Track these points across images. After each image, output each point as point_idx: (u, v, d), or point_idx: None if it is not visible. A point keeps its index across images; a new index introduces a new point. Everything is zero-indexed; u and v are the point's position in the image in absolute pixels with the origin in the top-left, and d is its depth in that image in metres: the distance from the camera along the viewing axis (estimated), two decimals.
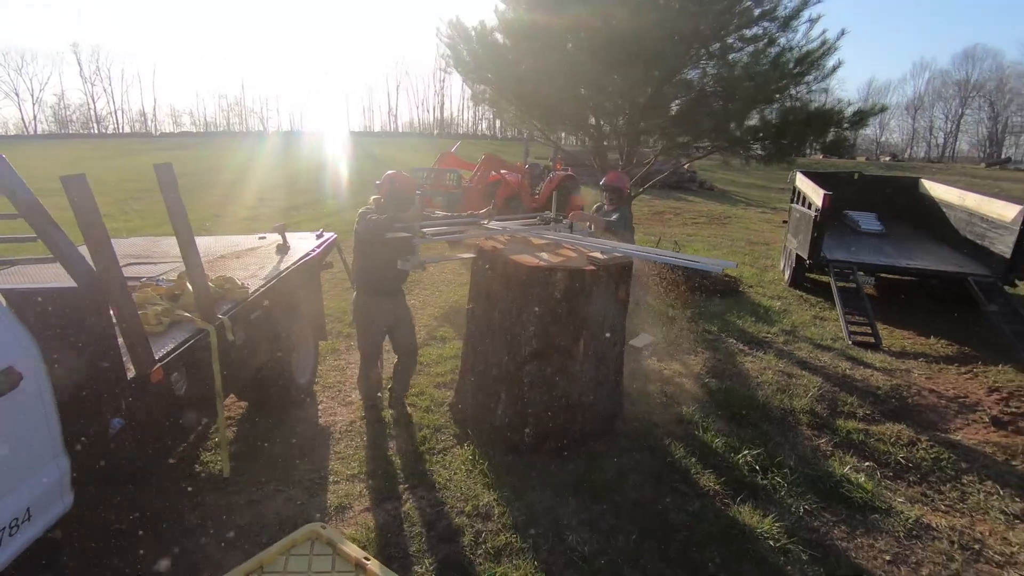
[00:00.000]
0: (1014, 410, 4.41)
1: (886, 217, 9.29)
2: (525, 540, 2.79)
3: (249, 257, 4.23)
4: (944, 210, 8.63)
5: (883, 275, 7.30)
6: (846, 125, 6.77)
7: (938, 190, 9.10)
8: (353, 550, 1.95)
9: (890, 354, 5.57)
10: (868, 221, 9.18)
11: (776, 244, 11.01)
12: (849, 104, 7.13)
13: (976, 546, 2.92)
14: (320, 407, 4.18)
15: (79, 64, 67.99)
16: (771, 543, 2.83)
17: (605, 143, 7.81)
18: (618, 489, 3.21)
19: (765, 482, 3.33)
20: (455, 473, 3.35)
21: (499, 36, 6.98)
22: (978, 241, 7.37)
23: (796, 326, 6.30)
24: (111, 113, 67.59)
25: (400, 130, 71.75)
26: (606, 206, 4.85)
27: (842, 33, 6.48)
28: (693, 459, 3.57)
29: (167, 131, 66.54)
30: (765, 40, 6.73)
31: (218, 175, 20.61)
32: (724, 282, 7.57)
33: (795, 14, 6.55)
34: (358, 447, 3.64)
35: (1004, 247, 6.61)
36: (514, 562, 2.65)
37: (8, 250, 5.34)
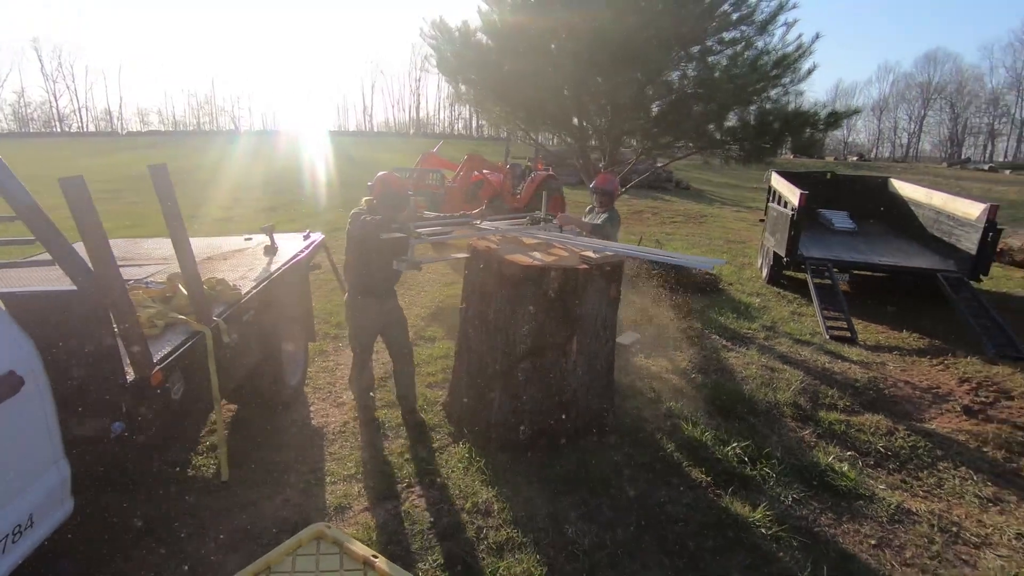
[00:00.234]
0: (983, 399, 4.62)
1: (857, 215, 9.57)
2: (526, 534, 2.83)
3: (237, 258, 4.18)
4: (912, 208, 8.93)
5: (856, 272, 7.53)
6: (821, 126, 6.99)
7: (906, 189, 9.41)
8: (361, 548, 1.96)
9: (866, 348, 5.77)
10: (841, 219, 9.44)
11: (752, 242, 11.26)
12: (824, 106, 7.36)
13: (954, 529, 3.07)
14: (312, 408, 4.16)
15: (40, 60, 66.10)
16: (763, 531, 2.93)
17: (588, 143, 7.91)
18: (613, 483, 3.27)
19: (754, 473, 3.43)
20: (452, 471, 3.38)
21: (483, 37, 7.01)
22: (945, 238, 7.66)
23: (776, 322, 6.47)
24: (75, 111, 65.66)
25: (375, 129, 71.23)
26: (596, 208, 4.92)
27: (817, 37, 6.68)
28: (684, 452, 3.66)
29: (134, 130, 64.87)
30: (743, 43, 6.91)
31: (190, 175, 20.14)
32: (704, 280, 7.70)
33: (772, 18, 6.75)
34: (353, 448, 3.64)
35: (970, 244, 6.88)
36: (516, 556, 2.69)
37: (6, 253, 5.19)
